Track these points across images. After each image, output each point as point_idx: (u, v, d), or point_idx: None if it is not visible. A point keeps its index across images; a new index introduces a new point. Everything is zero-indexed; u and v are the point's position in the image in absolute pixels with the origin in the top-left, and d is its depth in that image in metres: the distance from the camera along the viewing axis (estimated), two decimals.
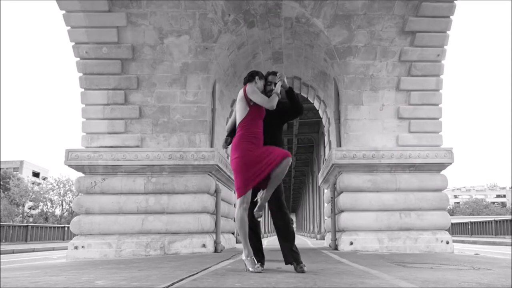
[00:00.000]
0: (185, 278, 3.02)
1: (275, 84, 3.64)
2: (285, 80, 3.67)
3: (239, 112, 3.51)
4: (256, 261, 3.37)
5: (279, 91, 3.53)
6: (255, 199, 3.49)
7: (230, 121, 3.82)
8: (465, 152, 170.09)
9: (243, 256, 3.40)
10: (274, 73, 3.71)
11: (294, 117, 3.97)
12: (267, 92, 3.65)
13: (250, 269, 3.29)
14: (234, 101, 10.39)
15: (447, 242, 7.38)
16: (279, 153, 3.38)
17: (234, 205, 11.64)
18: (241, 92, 3.53)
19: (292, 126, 20.96)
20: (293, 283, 2.66)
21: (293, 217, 68.06)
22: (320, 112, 10.98)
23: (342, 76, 7.99)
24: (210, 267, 3.98)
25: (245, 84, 3.61)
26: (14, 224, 20.65)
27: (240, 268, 3.74)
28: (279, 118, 3.71)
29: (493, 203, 78.18)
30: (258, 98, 3.44)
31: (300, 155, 28.62)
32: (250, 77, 3.62)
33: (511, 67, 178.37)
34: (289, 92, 3.68)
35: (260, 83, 3.62)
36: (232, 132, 3.72)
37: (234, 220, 3.57)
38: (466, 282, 2.77)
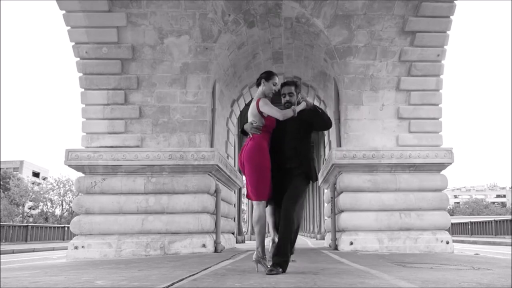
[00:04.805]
0: (185, 278, 3.03)
1: (289, 94, 3.63)
2: (308, 99, 3.61)
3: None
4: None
5: (296, 111, 3.47)
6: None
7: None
8: (465, 152, 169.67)
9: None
10: (288, 84, 3.70)
11: (323, 129, 3.97)
12: (284, 104, 3.65)
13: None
14: (234, 101, 10.39)
15: (447, 242, 7.38)
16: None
17: (234, 205, 11.65)
18: (253, 105, 3.55)
19: None
20: (293, 283, 2.66)
21: None
22: None
23: (342, 76, 7.99)
24: (210, 267, 3.98)
25: (257, 86, 3.68)
26: (14, 224, 20.66)
27: (240, 268, 3.75)
28: (304, 129, 3.66)
29: (493, 203, 78.21)
30: (270, 111, 3.47)
31: None
32: (257, 82, 3.69)
33: (511, 67, 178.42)
34: (314, 111, 3.59)
35: (268, 85, 3.60)
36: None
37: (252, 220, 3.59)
38: (466, 282, 2.77)
